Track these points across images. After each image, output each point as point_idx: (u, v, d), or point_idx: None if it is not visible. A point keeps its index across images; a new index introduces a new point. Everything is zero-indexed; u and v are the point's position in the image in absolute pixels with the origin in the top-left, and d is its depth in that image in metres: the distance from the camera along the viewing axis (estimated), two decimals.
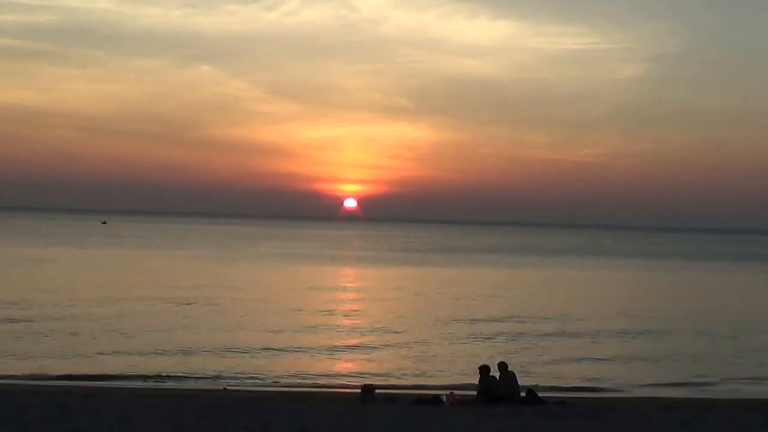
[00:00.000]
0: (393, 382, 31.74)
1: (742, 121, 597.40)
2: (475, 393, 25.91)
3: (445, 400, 25.30)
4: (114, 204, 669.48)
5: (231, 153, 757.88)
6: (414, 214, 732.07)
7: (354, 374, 33.30)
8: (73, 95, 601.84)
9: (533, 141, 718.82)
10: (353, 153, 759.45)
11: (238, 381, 31.12)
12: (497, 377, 25.81)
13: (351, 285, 77.74)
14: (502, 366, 26.04)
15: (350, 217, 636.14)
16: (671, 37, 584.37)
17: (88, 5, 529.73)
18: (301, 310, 52.94)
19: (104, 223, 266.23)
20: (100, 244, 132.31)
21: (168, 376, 31.48)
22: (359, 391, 25.82)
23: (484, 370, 25.90)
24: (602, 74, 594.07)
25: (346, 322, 48.79)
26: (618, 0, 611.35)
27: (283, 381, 31.62)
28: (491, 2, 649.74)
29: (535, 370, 33.88)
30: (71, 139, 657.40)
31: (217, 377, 31.54)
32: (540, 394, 26.24)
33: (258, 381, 31.41)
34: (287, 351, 37.74)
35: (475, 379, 26.44)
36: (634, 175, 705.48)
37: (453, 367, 34.88)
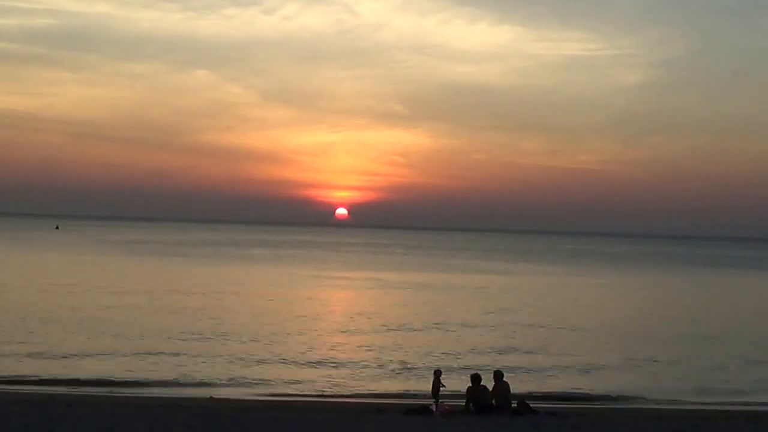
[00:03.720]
0: (382, 391, 31.50)
1: (744, 129, 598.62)
2: (464, 402, 25.58)
3: (434, 410, 25.05)
4: (105, 210, 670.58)
5: (223, 159, 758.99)
6: (408, 221, 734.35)
7: (343, 383, 33.01)
8: (65, 100, 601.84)
9: (529, 148, 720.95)
10: (347, 159, 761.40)
11: (225, 389, 30.85)
12: (490, 386, 25.51)
13: (338, 291, 77.48)
14: (498, 375, 25.75)
15: (342, 224, 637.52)
16: (676, 43, 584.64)
17: (85, 9, 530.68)
18: (288, 318, 52.67)
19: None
20: (84, 250, 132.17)
21: (153, 384, 31.22)
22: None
23: (475, 379, 25.60)
24: (604, 80, 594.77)
25: (335, 329, 48.54)
26: (623, 5, 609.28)
27: (271, 390, 31.36)
28: (494, 7, 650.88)
29: (526, 380, 33.67)
30: (61, 144, 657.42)
31: (204, 385, 31.27)
32: (532, 405, 25.96)
33: (245, 389, 31.14)
34: (274, 359, 37.44)
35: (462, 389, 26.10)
36: (632, 182, 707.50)
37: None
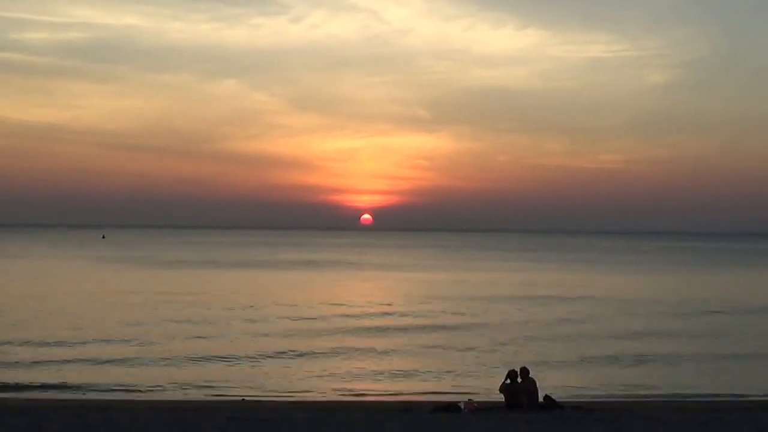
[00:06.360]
0: (410, 390, 31.82)
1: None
2: (502, 398, 25.87)
3: (462, 407, 25.31)
4: (135, 219, 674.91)
5: (250, 166, 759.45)
6: (432, 224, 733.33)
7: (372, 382, 33.36)
8: (94, 111, 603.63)
9: (553, 149, 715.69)
10: (372, 164, 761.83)
11: (256, 391, 31.24)
12: (518, 383, 25.80)
13: (366, 292, 77.69)
14: (524, 372, 26.03)
15: (368, 228, 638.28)
16: (700, 43, 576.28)
17: (113, 21, 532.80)
18: (316, 318, 53.12)
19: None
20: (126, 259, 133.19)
21: (185, 387, 31.67)
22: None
23: (512, 375, 25.89)
24: (628, 81, 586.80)
25: (364, 329, 48.84)
26: (647, 6, 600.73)
27: (301, 390, 31.72)
28: (519, 11, 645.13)
29: (551, 375, 33.83)
30: (90, 155, 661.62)
31: (234, 387, 31.69)
32: (557, 399, 26.22)
33: (276, 391, 31.51)
34: (303, 359, 37.85)
35: (490, 385, 26.34)
36: (655, 181, 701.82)
37: (470, 375, 34.93)
